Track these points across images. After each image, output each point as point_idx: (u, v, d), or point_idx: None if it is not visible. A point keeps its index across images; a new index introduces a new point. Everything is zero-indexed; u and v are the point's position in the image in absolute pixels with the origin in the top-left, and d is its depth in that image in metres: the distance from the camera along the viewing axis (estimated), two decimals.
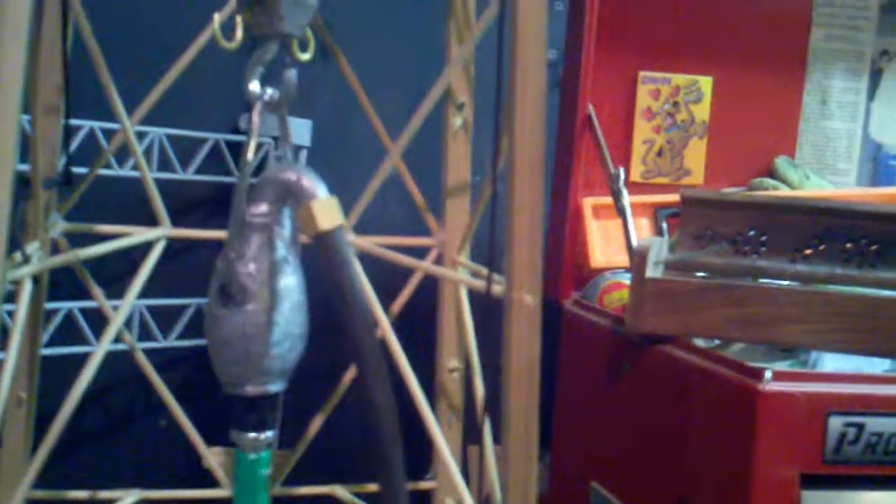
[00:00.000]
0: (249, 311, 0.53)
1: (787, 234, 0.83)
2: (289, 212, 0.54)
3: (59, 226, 0.78)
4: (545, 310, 0.57)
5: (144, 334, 1.08)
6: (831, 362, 0.81)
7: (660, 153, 1.13)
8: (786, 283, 0.81)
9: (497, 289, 0.57)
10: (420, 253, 0.87)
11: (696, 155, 1.14)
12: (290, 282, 0.55)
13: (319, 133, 1.16)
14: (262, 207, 0.52)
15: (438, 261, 0.89)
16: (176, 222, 0.86)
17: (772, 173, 1.14)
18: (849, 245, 0.81)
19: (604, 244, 1.06)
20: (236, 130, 1.18)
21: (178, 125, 1.10)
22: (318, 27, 0.75)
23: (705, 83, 1.13)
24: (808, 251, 0.82)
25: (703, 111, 1.13)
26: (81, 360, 0.76)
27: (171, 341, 1.10)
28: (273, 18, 0.53)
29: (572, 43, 1.08)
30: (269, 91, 0.55)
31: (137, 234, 0.80)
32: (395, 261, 0.77)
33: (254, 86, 0.55)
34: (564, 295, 1.06)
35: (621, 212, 0.97)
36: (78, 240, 0.81)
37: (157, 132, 1.07)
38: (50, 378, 0.86)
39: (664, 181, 1.13)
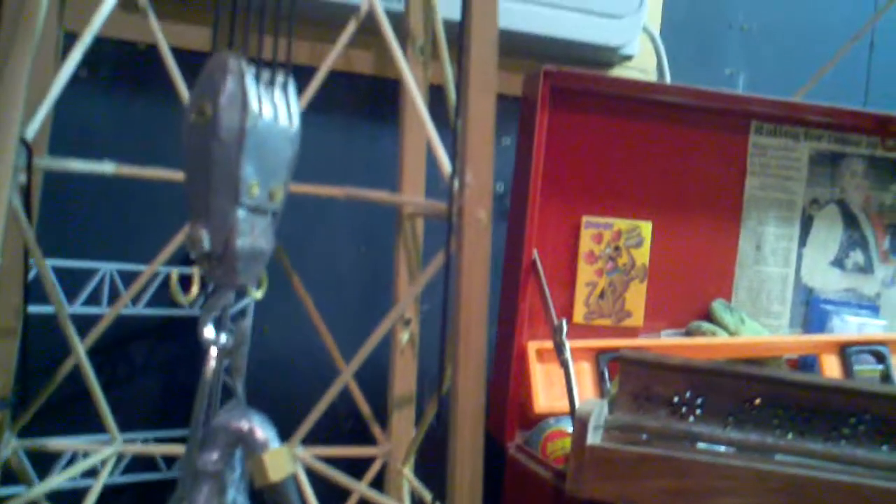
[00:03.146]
0: None
1: (722, 399, 0.86)
2: (239, 454, 0.56)
3: (11, 444, 0.78)
4: (489, 450, 0.59)
5: None
6: None
7: (602, 295, 1.16)
8: (722, 449, 0.84)
9: None
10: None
11: (636, 297, 1.17)
12: None
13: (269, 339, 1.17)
14: (214, 455, 0.54)
15: (383, 470, 0.90)
16: (124, 355, 0.86)
17: (709, 316, 1.18)
18: (780, 412, 0.85)
19: (547, 389, 1.09)
20: (187, 260, 1.19)
21: (127, 257, 1.11)
22: (277, 250, 0.78)
23: (645, 228, 1.17)
24: (742, 416, 0.85)
25: (643, 255, 1.17)
26: None
27: None
28: (229, 272, 0.55)
29: (518, 189, 1.12)
30: (224, 338, 0.57)
31: (92, 452, 0.81)
32: (336, 480, 0.80)
33: (208, 332, 0.57)
34: (509, 436, 1.08)
35: (564, 365, 1.00)
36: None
37: (107, 268, 1.08)
38: None
39: (606, 322, 1.16)
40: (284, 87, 0.56)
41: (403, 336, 0.85)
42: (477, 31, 0.57)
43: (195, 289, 0.57)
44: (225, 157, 0.53)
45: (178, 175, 0.67)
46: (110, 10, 0.66)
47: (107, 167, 0.64)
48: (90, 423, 0.91)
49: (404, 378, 0.89)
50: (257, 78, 0.54)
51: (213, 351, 0.56)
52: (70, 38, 0.76)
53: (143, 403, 1.14)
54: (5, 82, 0.50)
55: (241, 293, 0.60)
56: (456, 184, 0.57)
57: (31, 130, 0.56)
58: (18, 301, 0.67)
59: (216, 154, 0.53)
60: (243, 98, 0.53)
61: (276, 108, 0.55)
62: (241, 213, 0.55)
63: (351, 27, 0.76)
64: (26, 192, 0.56)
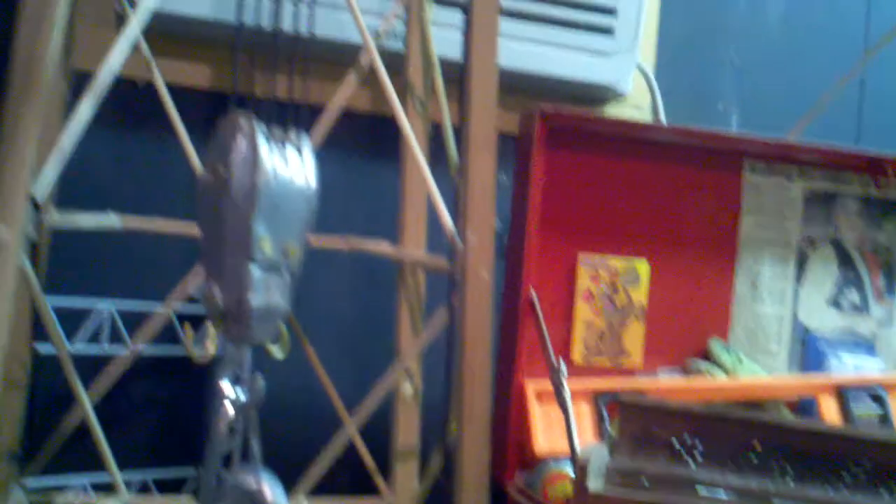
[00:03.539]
0: None
1: (722, 444, 0.86)
2: None
3: (18, 497, 0.77)
4: (489, 491, 0.59)
5: None
6: None
7: (600, 335, 1.16)
8: (722, 494, 0.83)
9: None
10: None
11: (634, 336, 1.17)
12: None
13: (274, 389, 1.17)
14: None
15: None
16: (124, 393, 0.86)
17: (706, 355, 1.18)
18: (780, 458, 0.84)
19: (547, 430, 1.08)
20: (188, 298, 1.18)
21: (128, 294, 1.10)
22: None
23: (642, 266, 1.18)
24: (742, 462, 0.85)
25: (640, 294, 1.17)
26: None
27: None
28: (244, 329, 0.55)
29: (515, 227, 1.12)
30: (239, 393, 0.57)
31: None
32: None
33: (225, 386, 0.57)
34: (508, 476, 1.07)
35: (563, 408, 1.00)
36: None
37: (108, 306, 1.08)
38: None
39: (604, 361, 1.16)
40: (299, 147, 0.56)
41: (406, 388, 0.85)
42: (476, 98, 0.57)
43: (211, 346, 0.56)
44: (237, 216, 0.53)
45: (183, 226, 0.67)
46: (115, 71, 0.66)
47: (113, 221, 0.64)
48: (91, 460, 0.90)
49: (407, 429, 0.88)
50: (270, 137, 0.55)
51: (229, 407, 0.56)
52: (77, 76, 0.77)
53: (143, 441, 1.14)
54: (16, 144, 0.50)
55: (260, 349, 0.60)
56: (458, 243, 0.58)
57: (40, 189, 0.56)
58: (26, 354, 0.67)
59: (229, 213, 0.53)
60: (255, 158, 0.53)
61: (289, 167, 0.55)
62: (254, 271, 0.55)
63: (352, 79, 0.76)
64: (34, 249, 0.56)
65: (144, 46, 0.77)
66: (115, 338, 1.08)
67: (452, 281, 0.56)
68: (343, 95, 0.76)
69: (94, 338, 1.06)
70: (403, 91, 0.84)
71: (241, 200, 0.53)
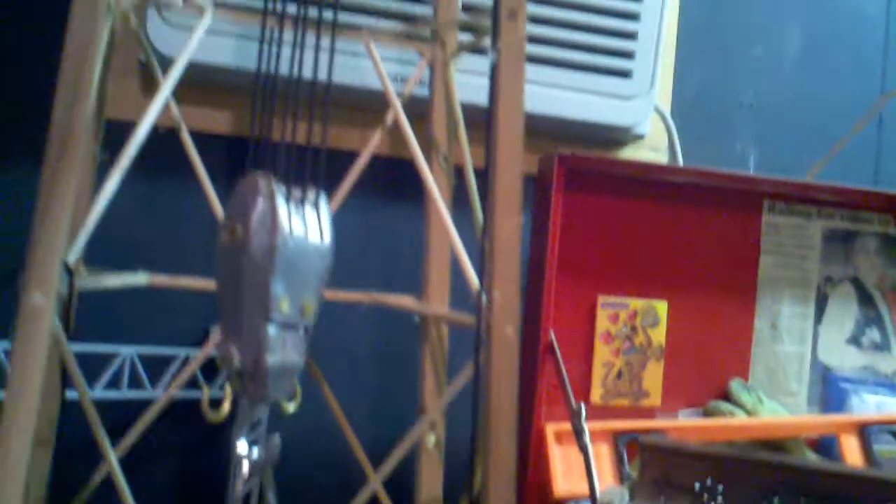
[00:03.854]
0: None
1: (745, 487, 0.86)
2: None
3: None
4: None
5: None
6: None
7: (619, 375, 1.17)
8: None
9: None
10: None
11: (653, 377, 1.18)
12: None
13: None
14: None
15: None
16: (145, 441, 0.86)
17: (727, 395, 1.18)
18: (805, 501, 0.85)
19: (566, 472, 1.08)
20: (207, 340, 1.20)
21: (148, 339, 1.12)
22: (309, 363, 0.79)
23: (661, 307, 1.18)
24: None
25: (659, 335, 1.18)
26: None
27: None
28: (260, 388, 0.56)
29: (534, 269, 1.13)
30: (255, 452, 0.58)
31: None
32: None
33: (241, 446, 0.58)
34: None
35: (583, 450, 1.00)
36: None
37: (128, 352, 1.09)
38: None
39: (623, 402, 1.17)
40: (317, 204, 0.57)
41: (430, 440, 0.86)
42: (502, 157, 0.58)
43: (227, 405, 0.58)
44: (255, 276, 0.55)
45: (207, 283, 0.68)
46: (148, 130, 0.67)
47: (140, 279, 0.65)
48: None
49: (430, 482, 0.89)
50: (288, 196, 0.56)
51: (245, 466, 0.57)
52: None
53: (160, 487, 1.15)
54: (52, 210, 0.52)
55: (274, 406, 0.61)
56: (484, 300, 0.59)
57: (74, 254, 0.58)
58: (55, 410, 0.68)
59: (247, 273, 0.55)
60: (273, 218, 0.54)
61: (306, 226, 0.56)
62: (271, 330, 0.56)
63: (377, 137, 0.78)
64: (66, 312, 0.58)
65: (173, 104, 0.79)
66: (136, 383, 1.10)
67: (478, 337, 0.57)
68: (367, 155, 0.78)
69: (116, 383, 1.08)
70: (425, 138, 0.86)
71: (259, 261, 0.54)
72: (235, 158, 1.18)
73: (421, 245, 0.94)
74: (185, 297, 1.11)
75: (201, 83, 1.13)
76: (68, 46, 0.56)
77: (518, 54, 0.60)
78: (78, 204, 0.65)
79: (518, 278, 0.60)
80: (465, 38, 0.96)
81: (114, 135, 0.87)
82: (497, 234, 0.59)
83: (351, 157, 0.91)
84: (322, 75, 0.61)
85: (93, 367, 1.05)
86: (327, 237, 0.58)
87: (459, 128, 0.84)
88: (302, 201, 0.57)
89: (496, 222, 0.59)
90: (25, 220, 0.59)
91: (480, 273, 0.61)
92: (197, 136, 0.94)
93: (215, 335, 1.21)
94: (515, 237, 0.60)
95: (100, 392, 1.04)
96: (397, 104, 0.74)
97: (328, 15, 0.66)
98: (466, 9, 1.11)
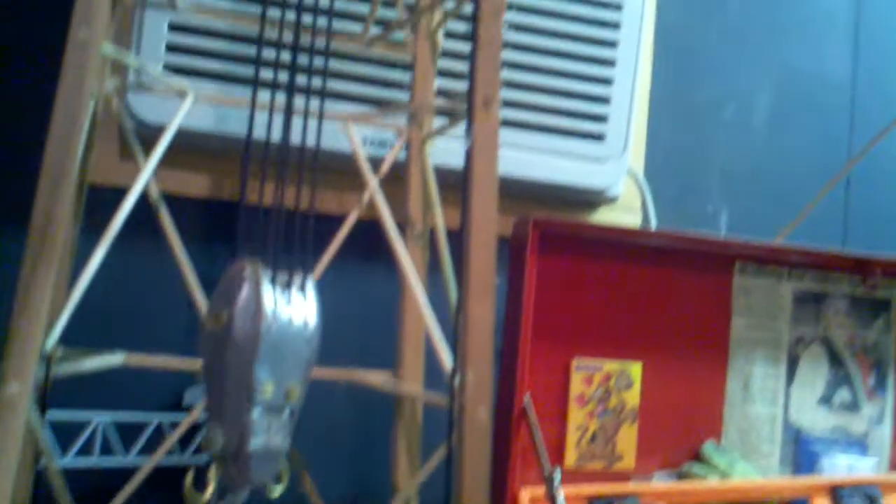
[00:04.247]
0: None
1: None
2: None
3: None
4: None
5: None
6: None
7: (593, 439, 1.17)
8: None
9: None
10: None
11: (627, 440, 1.18)
12: None
13: None
14: None
15: None
16: None
17: (700, 457, 1.19)
18: None
19: None
20: (179, 406, 1.19)
21: (121, 404, 1.11)
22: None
23: (635, 369, 1.19)
24: None
25: (633, 397, 1.19)
26: None
27: None
28: (243, 472, 0.56)
29: (509, 332, 1.14)
30: None
31: None
32: None
33: None
34: None
35: None
36: None
37: (100, 419, 1.09)
38: None
39: (598, 466, 1.17)
40: (303, 288, 0.58)
41: None
42: (476, 240, 0.59)
43: (211, 488, 0.58)
44: (239, 362, 0.55)
45: (183, 363, 0.69)
46: (132, 204, 0.68)
47: (117, 360, 0.65)
48: None
49: None
50: (275, 281, 0.57)
51: None
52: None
53: None
54: (31, 300, 0.52)
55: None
56: (457, 381, 0.60)
57: (51, 342, 0.58)
58: (28, 484, 0.68)
59: (231, 358, 0.55)
60: (258, 305, 0.55)
61: (292, 311, 0.57)
62: (255, 414, 0.56)
63: (353, 216, 0.79)
64: (42, 397, 0.58)
65: (154, 185, 0.79)
66: (109, 450, 1.09)
67: (450, 418, 0.58)
68: (345, 229, 0.79)
69: (88, 450, 1.07)
70: (402, 201, 0.87)
71: (243, 346, 0.55)
72: (212, 222, 1.19)
73: (396, 307, 0.95)
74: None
75: (178, 147, 1.14)
76: (52, 132, 0.57)
77: (492, 140, 0.61)
78: (57, 280, 0.65)
79: (491, 359, 0.61)
80: (441, 120, 0.98)
81: (90, 197, 0.87)
82: (470, 316, 0.60)
83: (329, 219, 0.92)
84: (308, 145, 0.62)
85: (66, 432, 1.05)
86: (313, 321, 0.59)
87: (435, 207, 0.85)
88: (288, 285, 0.57)
89: (470, 304, 0.60)
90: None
91: (454, 350, 0.62)
92: (174, 200, 0.95)
93: (189, 398, 1.21)
94: (488, 319, 0.61)
95: (71, 460, 1.03)
96: (374, 183, 0.75)
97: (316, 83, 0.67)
98: (442, 93, 1.13)
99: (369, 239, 1.21)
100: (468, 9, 0.65)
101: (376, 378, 0.70)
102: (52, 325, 0.59)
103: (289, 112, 0.63)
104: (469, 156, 0.62)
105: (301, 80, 0.67)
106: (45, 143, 0.58)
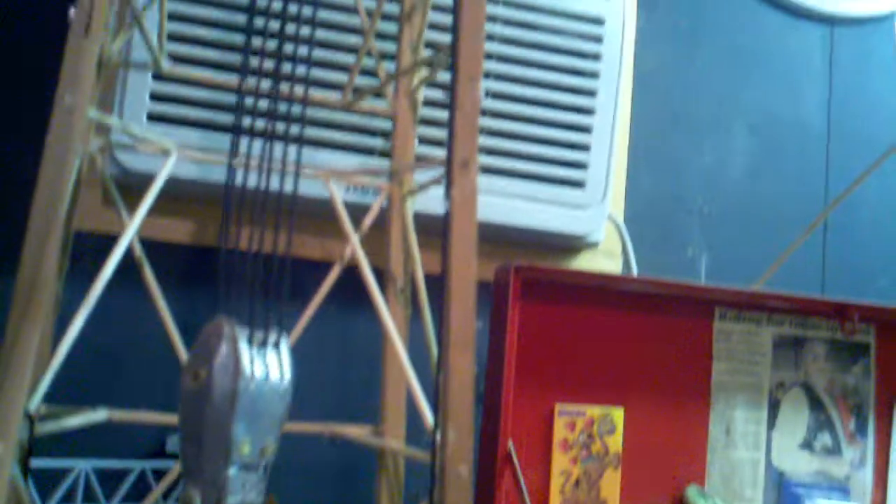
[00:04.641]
0: None
1: None
2: None
3: None
4: None
5: None
6: None
7: (577, 484, 1.17)
8: None
9: None
10: None
11: (611, 485, 1.19)
12: None
13: None
14: None
15: None
16: None
17: (683, 502, 1.19)
18: None
19: None
20: (162, 453, 1.19)
21: (102, 452, 1.11)
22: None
23: (618, 414, 1.20)
24: None
25: (616, 442, 1.19)
26: None
27: None
28: None
29: (492, 378, 1.14)
30: None
31: None
32: None
33: None
34: None
35: None
36: None
37: (83, 466, 1.08)
38: None
39: None
40: (278, 345, 0.59)
41: None
42: (456, 298, 0.60)
43: None
44: (217, 420, 0.56)
45: (165, 418, 0.69)
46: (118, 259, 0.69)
47: (100, 416, 0.66)
48: None
49: None
50: (251, 339, 0.57)
51: None
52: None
53: None
54: (16, 362, 0.53)
55: None
56: (438, 438, 0.60)
57: (35, 402, 0.59)
58: None
59: (209, 417, 0.56)
60: (236, 363, 0.56)
61: (268, 368, 0.58)
62: (231, 473, 0.57)
63: (336, 271, 0.80)
64: (25, 456, 0.58)
65: (137, 243, 0.80)
66: (92, 498, 1.09)
67: (432, 475, 0.58)
68: (328, 284, 0.80)
69: (71, 498, 1.07)
70: (384, 245, 0.87)
71: (221, 405, 0.55)
72: (195, 268, 1.19)
73: (378, 353, 0.96)
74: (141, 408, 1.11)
75: (161, 193, 1.15)
76: (38, 197, 0.58)
77: (470, 201, 0.63)
78: (42, 334, 0.65)
79: (472, 416, 0.62)
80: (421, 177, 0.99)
81: (76, 246, 0.87)
82: (451, 371, 0.61)
83: (310, 265, 0.93)
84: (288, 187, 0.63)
85: (48, 480, 1.04)
86: (287, 376, 0.59)
87: (415, 263, 0.86)
88: (264, 343, 0.58)
89: (451, 360, 0.61)
90: None
91: (435, 407, 0.62)
92: (154, 245, 0.95)
93: (172, 444, 1.21)
94: (469, 374, 0.62)
95: None
96: (354, 239, 0.76)
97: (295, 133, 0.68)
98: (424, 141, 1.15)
99: (352, 284, 1.23)
100: (446, 76, 0.67)
101: (357, 432, 0.70)
102: (36, 385, 0.60)
103: (268, 165, 0.64)
104: (448, 215, 0.63)
105: (283, 128, 0.68)
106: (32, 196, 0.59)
